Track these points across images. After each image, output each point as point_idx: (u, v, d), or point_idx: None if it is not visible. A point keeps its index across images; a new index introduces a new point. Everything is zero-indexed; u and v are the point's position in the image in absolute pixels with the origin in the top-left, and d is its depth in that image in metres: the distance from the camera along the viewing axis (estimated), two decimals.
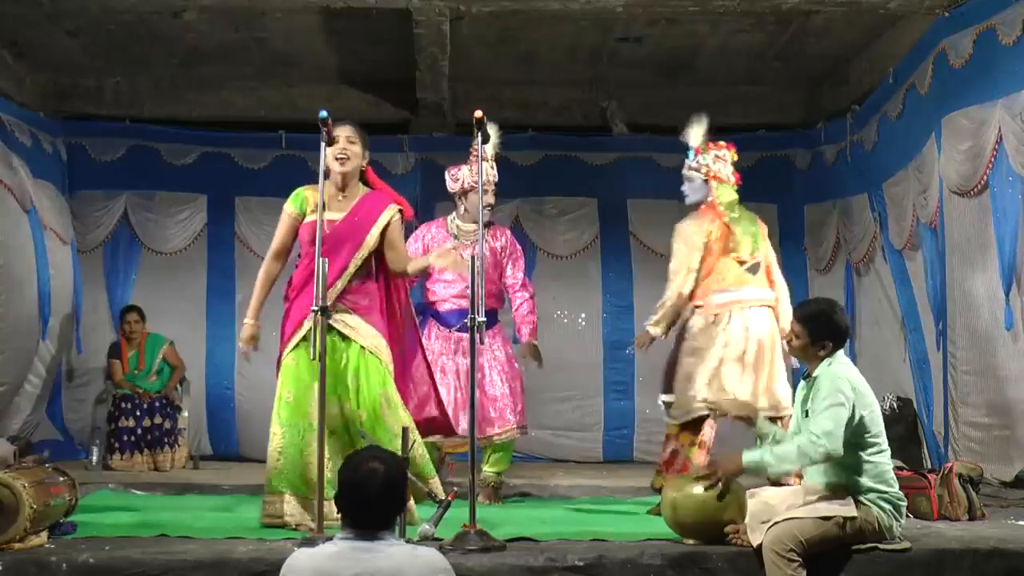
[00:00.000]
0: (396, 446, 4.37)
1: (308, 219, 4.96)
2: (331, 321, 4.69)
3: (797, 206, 9.09)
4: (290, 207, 5.04)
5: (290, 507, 4.85)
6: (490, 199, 6.14)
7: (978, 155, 6.21)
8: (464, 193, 6.24)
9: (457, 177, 6.27)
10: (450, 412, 5.66)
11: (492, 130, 5.86)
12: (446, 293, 6.20)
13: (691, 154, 5.98)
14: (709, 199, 5.88)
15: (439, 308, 6.22)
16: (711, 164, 5.94)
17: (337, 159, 4.94)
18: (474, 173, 5.99)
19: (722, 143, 6.03)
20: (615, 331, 9.08)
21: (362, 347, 4.89)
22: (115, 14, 7.51)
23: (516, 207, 8.97)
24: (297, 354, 4.89)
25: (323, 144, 4.62)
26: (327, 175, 4.84)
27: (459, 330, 6.03)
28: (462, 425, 5.77)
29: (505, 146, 7.90)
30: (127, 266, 9.04)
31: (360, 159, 5.03)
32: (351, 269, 4.91)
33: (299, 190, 5.06)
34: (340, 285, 4.86)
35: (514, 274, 6.34)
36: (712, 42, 8.25)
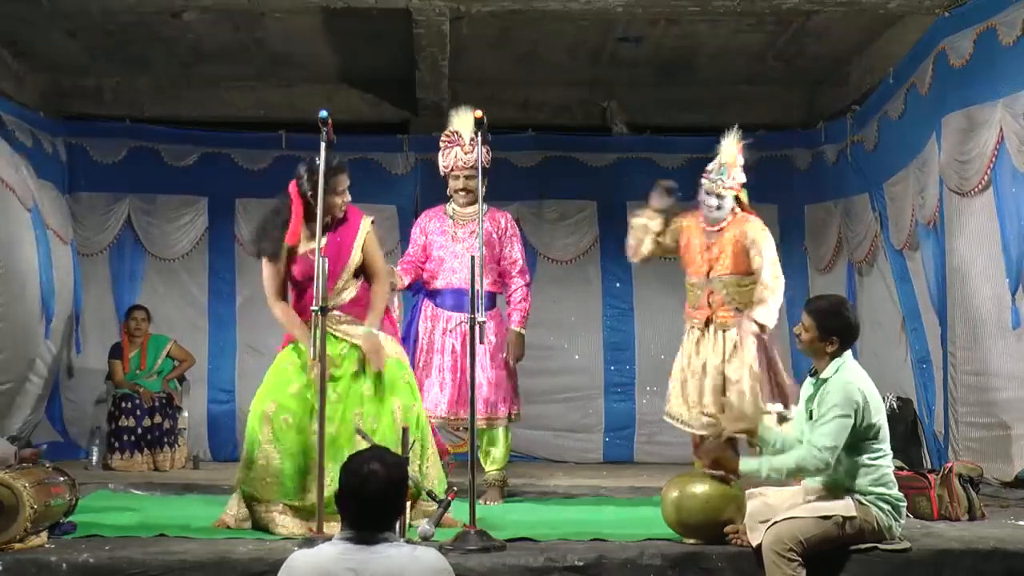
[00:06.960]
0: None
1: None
2: (333, 332, 4.84)
3: (797, 206, 9.07)
4: None
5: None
6: (461, 184, 6.13)
7: (979, 155, 6.20)
8: (445, 178, 6.26)
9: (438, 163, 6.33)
10: (443, 393, 5.95)
11: (464, 116, 5.94)
12: (442, 273, 6.17)
13: (724, 172, 5.84)
14: (737, 210, 5.93)
15: (433, 287, 6.19)
16: (739, 178, 5.91)
17: (338, 205, 4.98)
18: (445, 157, 6.15)
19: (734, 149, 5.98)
20: (615, 333, 9.08)
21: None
22: (115, 14, 7.51)
23: (516, 210, 8.93)
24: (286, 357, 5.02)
25: (323, 144, 4.61)
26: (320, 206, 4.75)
27: (459, 324, 6.00)
28: (443, 405, 5.97)
29: (505, 146, 7.92)
30: (133, 271, 9.01)
31: None
32: (339, 285, 4.97)
33: None
34: (331, 303, 4.84)
35: (511, 255, 6.24)
36: (712, 42, 8.26)
